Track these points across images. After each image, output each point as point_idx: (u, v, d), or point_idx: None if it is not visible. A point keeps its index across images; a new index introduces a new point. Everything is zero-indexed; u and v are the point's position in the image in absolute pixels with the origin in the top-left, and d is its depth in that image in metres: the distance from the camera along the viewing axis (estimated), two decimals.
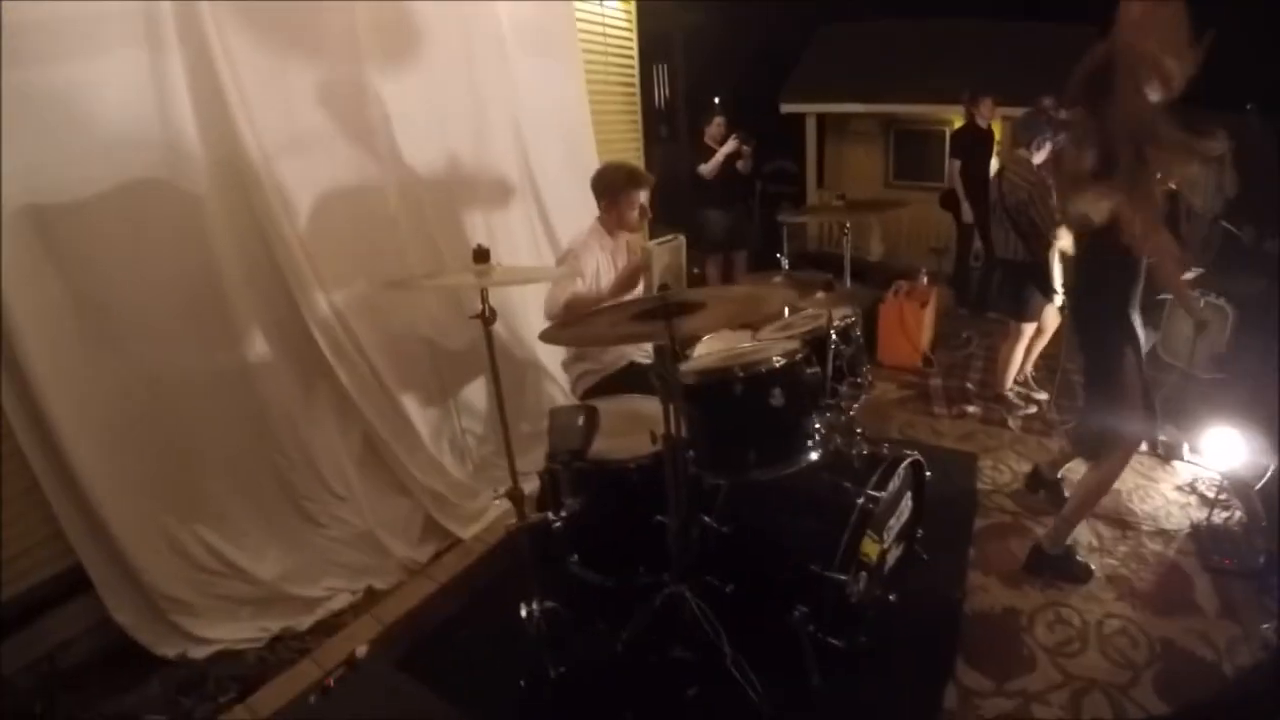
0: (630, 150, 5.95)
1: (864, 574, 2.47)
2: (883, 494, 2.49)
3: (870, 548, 2.49)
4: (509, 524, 2.48)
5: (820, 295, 3.10)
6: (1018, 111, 4.70)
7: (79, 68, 2.37)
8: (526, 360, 4.01)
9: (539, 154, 4.21)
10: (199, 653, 2.64)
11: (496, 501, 3.05)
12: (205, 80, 2.63)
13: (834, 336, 3.08)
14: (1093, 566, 3.22)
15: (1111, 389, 2.99)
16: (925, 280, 6.09)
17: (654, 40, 10.50)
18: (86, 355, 2.46)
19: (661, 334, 2.14)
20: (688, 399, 2.38)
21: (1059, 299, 4.36)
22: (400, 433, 3.30)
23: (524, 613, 2.46)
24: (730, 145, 6.24)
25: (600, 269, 3.28)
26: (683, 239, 3.00)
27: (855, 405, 3.32)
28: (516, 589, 2.52)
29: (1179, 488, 3.92)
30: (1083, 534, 3.43)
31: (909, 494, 2.83)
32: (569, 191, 4.18)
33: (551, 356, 3.96)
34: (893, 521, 2.70)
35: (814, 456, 2.49)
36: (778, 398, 2.41)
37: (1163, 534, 3.52)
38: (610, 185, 3.34)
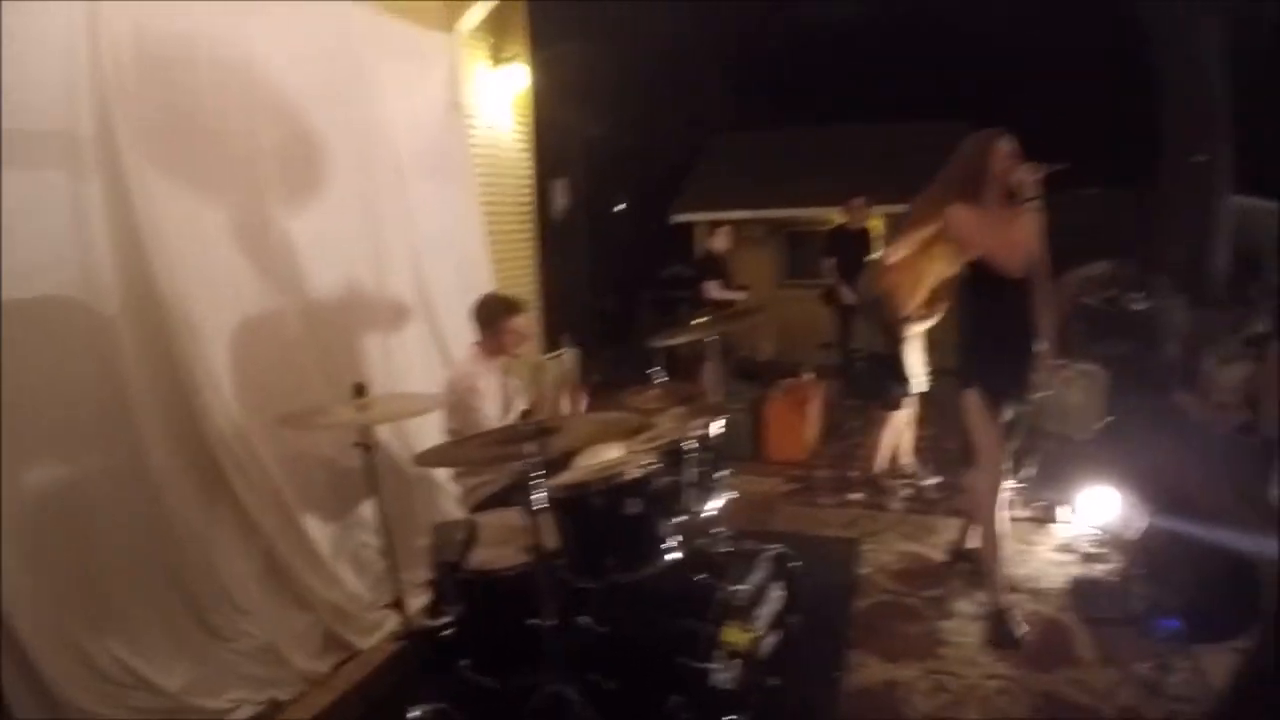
0: (524, 267, 6.49)
1: (736, 661, 2.76)
2: (742, 586, 2.85)
3: (738, 636, 2.79)
4: (394, 632, 2.76)
5: (676, 410, 3.61)
6: (898, 209, 5.29)
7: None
8: (421, 476, 4.35)
9: (434, 276, 4.71)
10: None
11: (384, 609, 3.23)
12: (120, 207, 3.03)
13: (692, 445, 3.36)
14: (1016, 635, 3.52)
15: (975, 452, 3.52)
16: (807, 377, 6.63)
17: (554, 155, 11.22)
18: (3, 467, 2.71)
19: (523, 454, 2.48)
20: (554, 510, 2.73)
21: (916, 387, 4.88)
22: (300, 548, 3.60)
23: (409, 716, 2.72)
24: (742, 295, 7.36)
25: (489, 392, 3.67)
26: (572, 352, 3.41)
27: (716, 506, 3.60)
28: (411, 695, 2.78)
29: (1057, 548, 4.39)
30: (963, 605, 3.86)
31: (777, 583, 3.18)
32: (463, 311, 4.59)
33: (446, 471, 4.27)
34: (762, 610, 3.03)
35: (670, 558, 2.85)
36: (633, 506, 2.76)
37: (1042, 593, 3.93)
38: (490, 315, 3.77)
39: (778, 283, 11.25)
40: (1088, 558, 4.22)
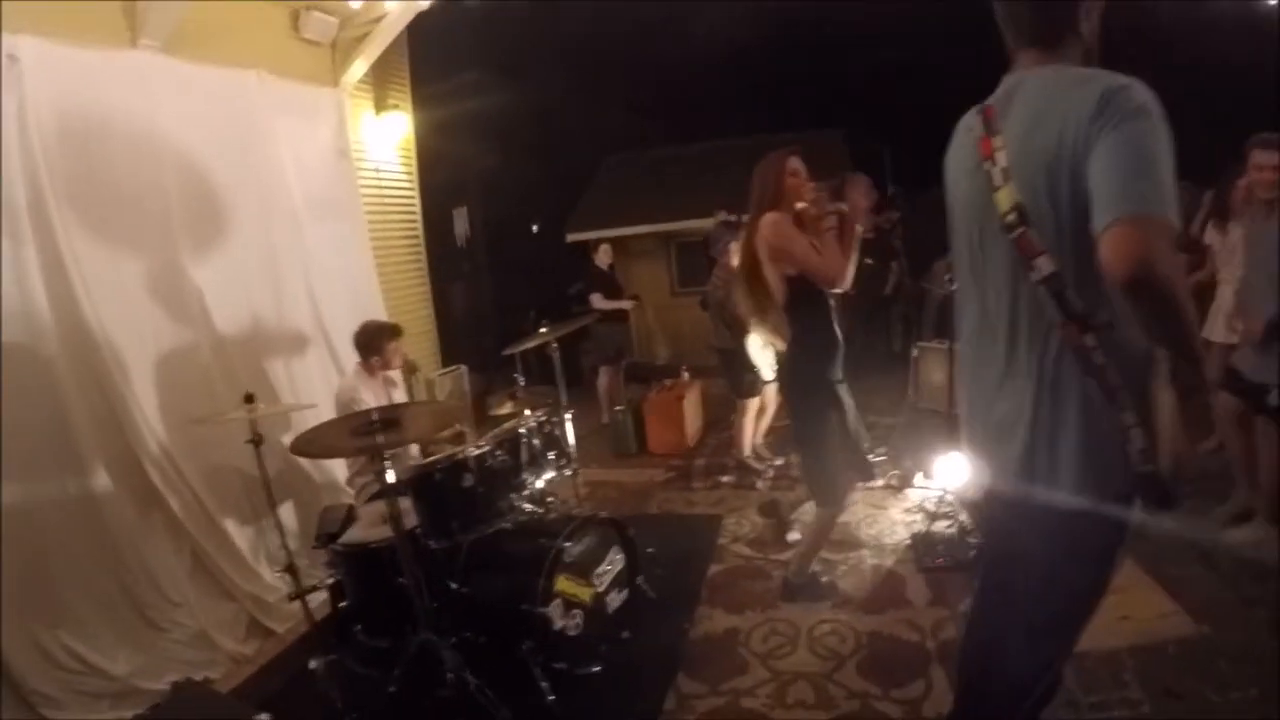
0: (418, 292, 7.19)
1: (578, 611, 3.41)
2: (569, 544, 3.41)
3: (576, 589, 3.42)
4: (290, 593, 3.56)
5: (508, 402, 4.40)
6: None
7: None
8: (324, 482, 5.04)
9: (329, 306, 5.39)
10: None
11: (279, 574, 3.85)
12: (54, 266, 3.71)
13: (524, 432, 3.82)
14: (838, 585, 4.05)
15: (815, 448, 3.67)
16: (685, 376, 7.41)
17: (452, 186, 11.85)
18: None
19: (375, 445, 3.07)
20: (410, 487, 3.44)
21: (764, 376, 5.62)
22: (223, 548, 4.27)
23: (311, 665, 3.38)
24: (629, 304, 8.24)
25: (369, 402, 4.32)
26: (464, 368, 4.04)
27: (550, 482, 4.04)
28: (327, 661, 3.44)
29: (907, 510, 4.99)
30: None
31: (615, 547, 3.79)
32: None
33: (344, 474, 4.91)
34: (602, 569, 3.66)
35: (505, 522, 3.53)
36: (468, 480, 3.43)
37: (884, 548, 4.50)
38: (368, 339, 4.47)
39: (671, 291, 12.08)
40: (933, 516, 4.64)
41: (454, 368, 6.83)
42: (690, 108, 15.01)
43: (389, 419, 3.21)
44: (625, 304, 8.20)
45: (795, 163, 3.66)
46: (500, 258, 13.81)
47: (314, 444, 3.22)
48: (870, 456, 3.82)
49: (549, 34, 12.22)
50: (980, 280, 1.92)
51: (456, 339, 10.22)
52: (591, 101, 13.69)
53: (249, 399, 3.46)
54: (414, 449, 4.45)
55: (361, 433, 3.13)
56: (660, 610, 3.96)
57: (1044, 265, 1.66)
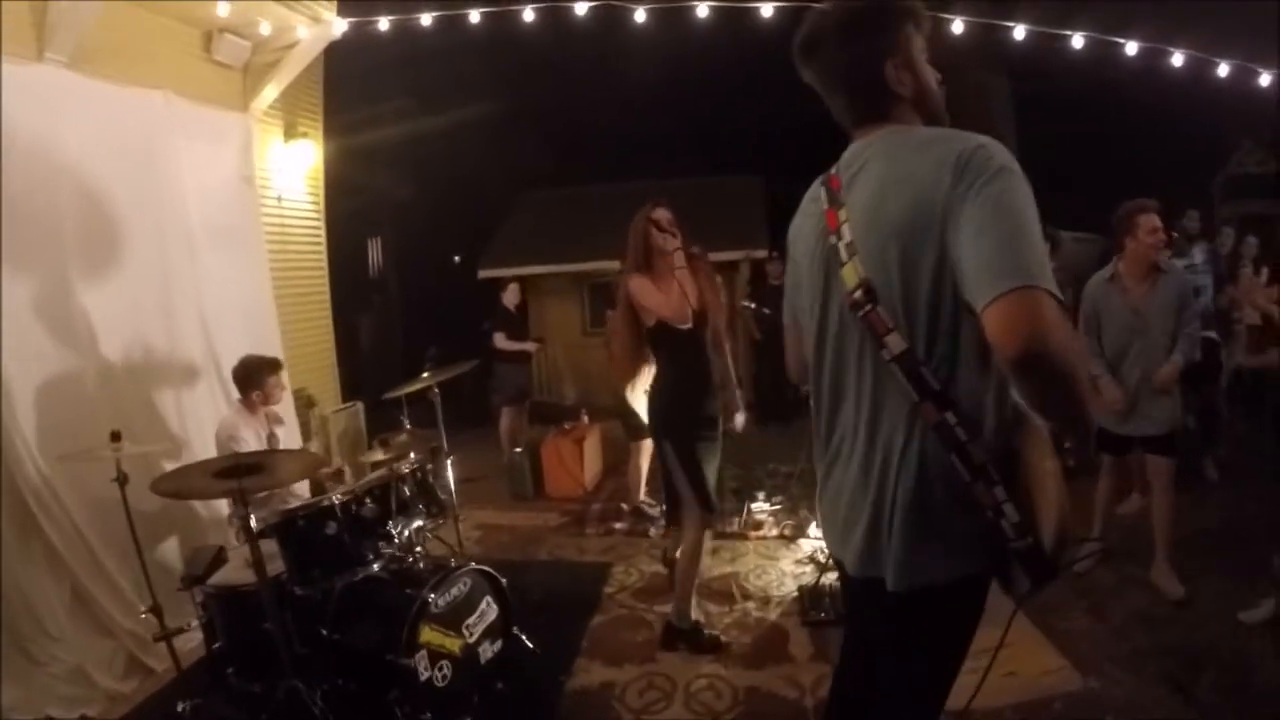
0: (320, 324, 7.22)
1: (445, 662, 3.46)
2: (435, 595, 3.45)
3: (444, 639, 3.48)
4: (155, 634, 3.56)
5: (379, 450, 4.53)
6: None
7: None
8: (210, 518, 4.95)
9: (223, 336, 5.37)
10: None
11: (144, 615, 3.73)
12: None
13: (399, 479, 3.90)
14: (722, 638, 4.10)
15: (682, 464, 3.91)
16: (585, 419, 7.56)
17: (365, 216, 11.86)
18: None
19: (236, 489, 3.19)
20: (275, 532, 3.46)
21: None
22: (102, 583, 4.21)
23: (179, 708, 3.47)
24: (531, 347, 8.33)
25: (249, 439, 4.38)
26: (360, 405, 4.08)
27: (422, 531, 4.03)
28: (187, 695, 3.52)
29: (798, 561, 5.05)
30: (692, 613, 4.26)
31: (488, 597, 3.81)
32: None
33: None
34: (473, 619, 3.68)
35: (370, 570, 3.58)
36: (330, 528, 3.48)
37: (770, 600, 4.54)
38: (252, 374, 4.52)
39: (582, 331, 12.29)
40: (823, 568, 4.61)
41: (350, 404, 6.83)
42: (610, 148, 15.36)
43: (251, 464, 3.27)
44: (528, 346, 8.32)
45: (660, 213, 3.94)
46: (413, 291, 13.84)
47: (176, 484, 3.30)
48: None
49: (472, 67, 12.36)
50: (831, 357, 1.85)
51: (362, 373, 10.23)
52: (511, 136, 13.84)
53: (115, 437, 3.46)
54: (301, 487, 4.51)
55: (224, 475, 3.20)
56: (538, 661, 4.00)
57: (894, 343, 1.61)
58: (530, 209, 13.47)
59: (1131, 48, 5.41)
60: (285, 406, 5.29)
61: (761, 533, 5.68)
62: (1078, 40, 5.43)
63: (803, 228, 1.95)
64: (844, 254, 1.70)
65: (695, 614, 4.21)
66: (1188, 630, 3.88)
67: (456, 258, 14.60)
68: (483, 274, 11.71)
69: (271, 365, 4.61)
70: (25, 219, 4.11)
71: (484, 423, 9.23)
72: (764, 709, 3.54)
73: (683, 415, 3.95)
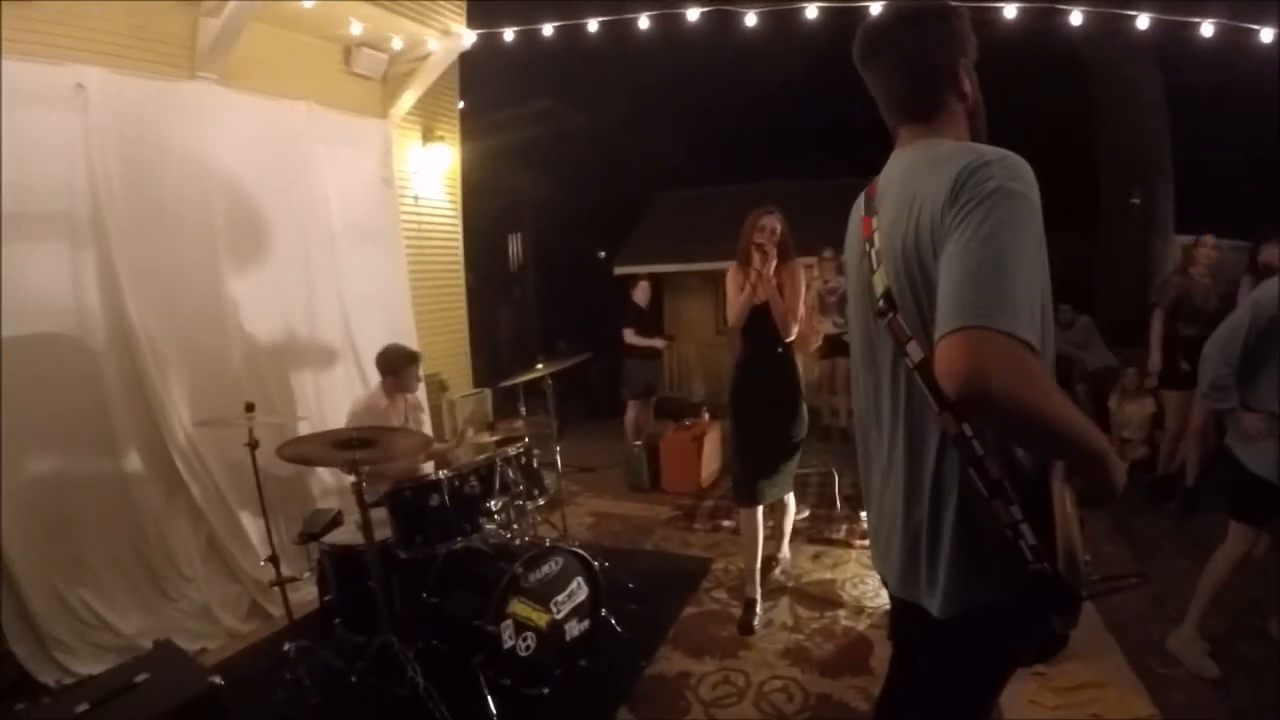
0: (454, 316, 7.84)
1: (530, 634, 3.74)
2: (528, 570, 3.76)
3: (531, 613, 3.76)
4: (271, 580, 4.09)
5: (485, 433, 4.96)
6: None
7: (19, 250, 4.09)
8: (338, 486, 5.60)
9: (361, 326, 6.03)
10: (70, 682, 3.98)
11: (263, 564, 4.31)
12: (107, 270, 4.44)
13: (500, 462, 4.19)
14: (757, 626, 4.35)
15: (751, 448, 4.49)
16: (705, 417, 7.85)
17: (506, 213, 12.49)
18: (9, 464, 4.00)
19: (350, 460, 3.65)
20: (386, 501, 3.87)
21: None
22: (235, 535, 4.90)
23: (285, 647, 3.97)
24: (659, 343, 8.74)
25: (383, 419, 4.87)
26: (488, 391, 4.44)
27: (524, 511, 4.43)
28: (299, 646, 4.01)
29: None
30: (781, 614, 4.56)
31: (579, 579, 4.08)
32: None
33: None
34: (562, 598, 3.96)
35: (468, 542, 3.95)
36: (435, 500, 3.84)
37: (861, 611, 4.55)
38: (392, 363, 4.99)
39: (715, 330, 12.53)
40: None
41: (478, 390, 7.39)
42: (745, 148, 15.53)
43: (366, 438, 3.74)
44: (656, 343, 8.64)
45: (768, 220, 4.37)
46: (552, 285, 14.43)
47: (299, 450, 3.80)
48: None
49: (610, 69, 12.79)
50: (870, 365, 1.85)
51: (498, 362, 10.85)
52: (650, 136, 14.19)
53: (249, 408, 4.01)
54: (429, 464, 5.03)
55: (341, 446, 3.69)
56: (622, 644, 4.24)
57: (914, 352, 1.59)
58: (666, 208, 13.88)
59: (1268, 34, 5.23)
60: (419, 391, 5.79)
61: (866, 542, 5.59)
62: (1207, 28, 5.32)
63: (850, 235, 1.96)
64: (875, 261, 1.72)
65: (751, 591, 4.58)
66: None
67: (601, 253, 15.07)
68: (618, 271, 12.14)
69: (411, 357, 5.05)
70: (181, 218, 4.85)
71: (614, 415, 9.54)
72: (832, 717, 3.59)
73: (735, 398, 4.51)
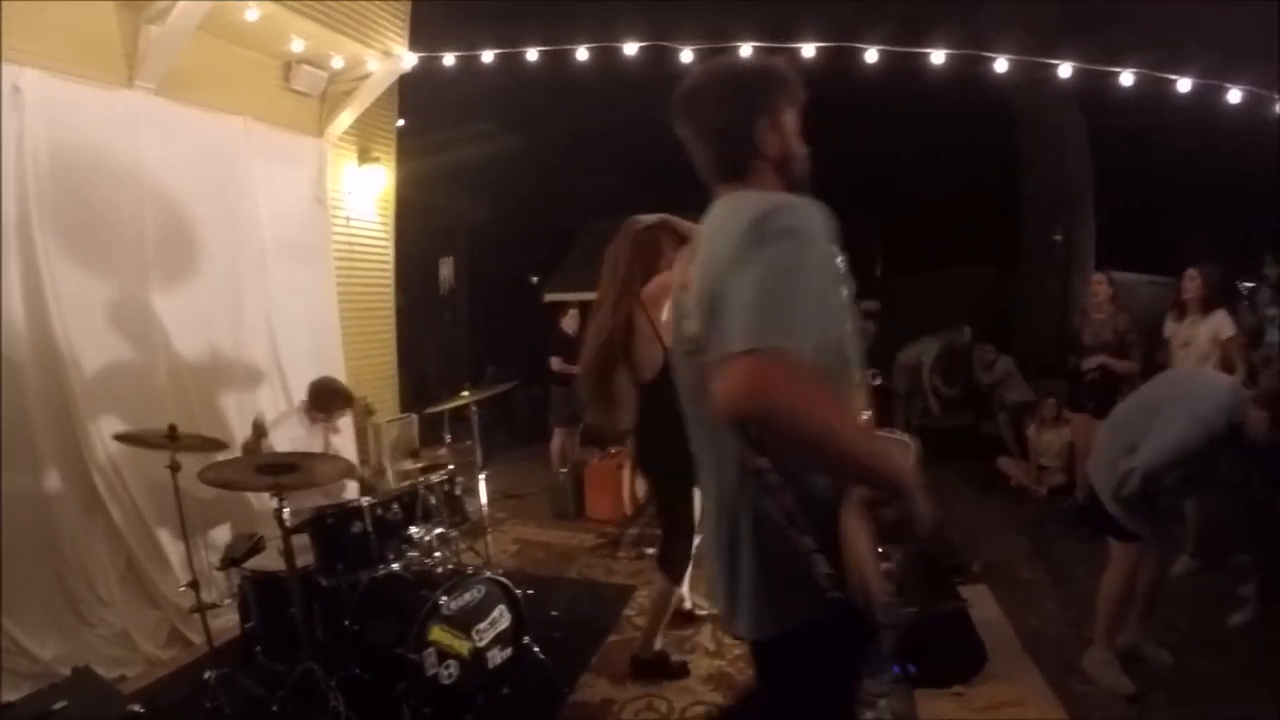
0: (383, 338, 7.83)
1: (453, 662, 3.77)
2: (449, 598, 3.77)
3: (453, 641, 3.79)
4: (191, 607, 4.09)
5: (409, 460, 5.01)
6: None
7: None
8: (262, 509, 5.40)
9: (288, 345, 6.03)
10: None
11: (183, 590, 4.31)
12: (32, 281, 4.38)
13: (425, 490, 4.34)
14: (688, 663, 4.34)
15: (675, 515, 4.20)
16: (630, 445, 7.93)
17: (440, 236, 12.44)
18: None
19: (272, 484, 3.69)
20: (307, 527, 3.90)
21: None
22: (155, 559, 4.84)
23: (206, 675, 3.94)
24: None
25: (306, 445, 4.91)
26: (414, 417, 4.47)
27: (447, 539, 4.58)
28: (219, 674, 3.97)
29: None
30: (705, 639, 4.67)
31: (502, 606, 4.09)
32: (312, 375, 5.71)
33: None
34: (484, 625, 3.97)
35: (394, 568, 4.02)
36: (357, 527, 3.92)
37: None
38: (326, 398, 5.09)
39: None
40: None
41: (404, 416, 7.40)
42: (683, 179, 15.57)
43: (288, 463, 3.81)
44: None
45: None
46: (483, 310, 14.42)
47: (220, 475, 3.85)
48: None
49: (548, 96, 12.87)
50: (692, 403, 1.94)
51: (428, 386, 10.82)
52: (587, 163, 14.31)
53: (172, 431, 3.97)
54: (352, 486, 5.06)
55: (263, 471, 3.74)
56: (546, 672, 4.29)
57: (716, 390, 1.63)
58: (598, 237, 13.80)
59: (1184, 84, 5.75)
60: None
61: None
62: (1127, 77, 5.81)
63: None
64: (688, 304, 1.84)
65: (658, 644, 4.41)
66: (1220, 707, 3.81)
67: (534, 279, 15.15)
68: (548, 297, 12.18)
69: (345, 398, 5.14)
70: (111, 229, 4.83)
71: (541, 441, 9.62)
72: None
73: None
